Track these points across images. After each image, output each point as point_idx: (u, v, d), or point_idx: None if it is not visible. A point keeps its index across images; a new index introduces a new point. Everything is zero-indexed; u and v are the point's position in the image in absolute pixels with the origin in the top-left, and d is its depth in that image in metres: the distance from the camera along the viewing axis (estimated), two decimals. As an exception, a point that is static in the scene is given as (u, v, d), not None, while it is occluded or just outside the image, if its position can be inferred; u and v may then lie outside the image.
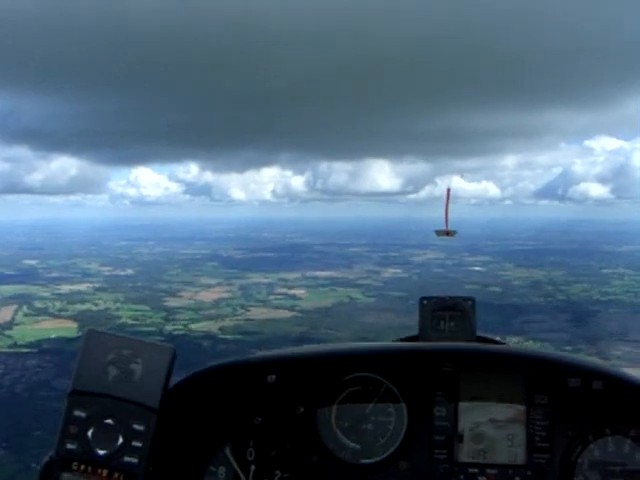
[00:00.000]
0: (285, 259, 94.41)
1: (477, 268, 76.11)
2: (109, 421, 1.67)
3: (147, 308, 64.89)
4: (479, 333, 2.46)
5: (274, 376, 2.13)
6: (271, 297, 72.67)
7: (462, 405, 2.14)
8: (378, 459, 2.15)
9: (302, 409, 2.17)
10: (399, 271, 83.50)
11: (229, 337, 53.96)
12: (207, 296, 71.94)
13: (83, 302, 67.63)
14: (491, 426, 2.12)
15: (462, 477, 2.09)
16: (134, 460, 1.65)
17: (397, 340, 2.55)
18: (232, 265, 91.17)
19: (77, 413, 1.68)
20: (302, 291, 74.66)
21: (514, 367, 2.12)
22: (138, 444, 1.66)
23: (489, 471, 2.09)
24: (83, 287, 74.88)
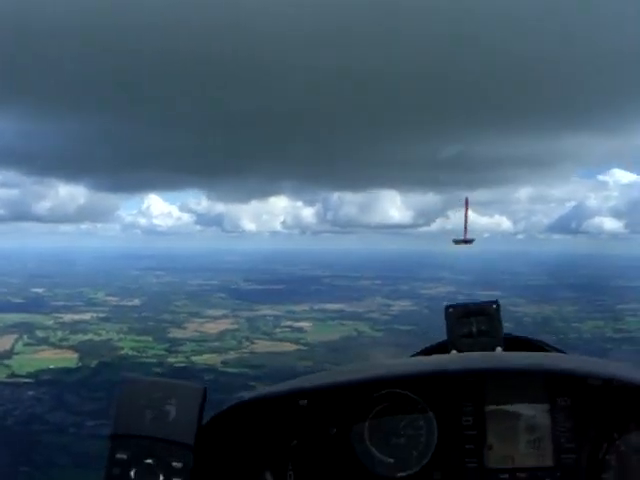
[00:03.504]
0: (294, 291, 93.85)
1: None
2: (149, 461, 1.76)
3: (150, 339, 64.18)
4: (506, 331, 2.57)
5: (305, 400, 2.14)
6: (277, 330, 71.86)
7: (489, 413, 2.15)
8: (412, 472, 2.16)
9: (335, 429, 2.19)
10: (409, 304, 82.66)
11: (232, 370, 53.04)
12: (212, 328, 71.25)
13: (85, 332, 67.02)
14: (518, 431, 2.13)
15: None
16: None
17: (427, 348, 2.68)
18: (240, 297, 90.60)
19: (119, 455, 1.76)
20: (309, 324, 73.92)
21: (536, 374, 2.14)
22: None
23: (519, 475, 2.10)
24: (87, 317, 74.38)
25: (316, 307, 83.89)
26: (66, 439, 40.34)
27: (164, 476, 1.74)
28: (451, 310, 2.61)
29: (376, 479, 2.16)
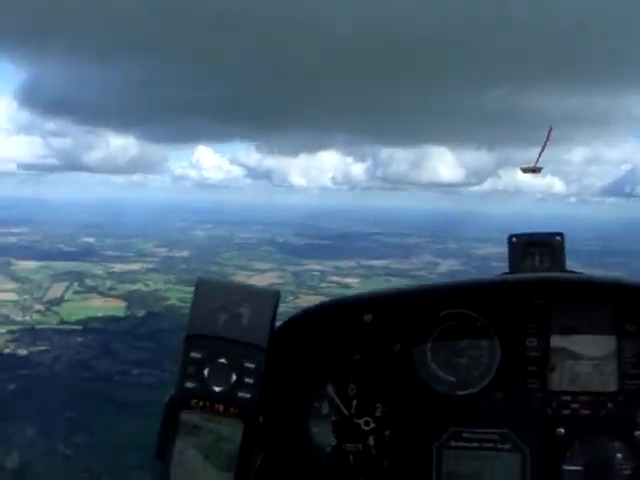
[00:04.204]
0: (342, 247, 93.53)
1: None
2: (222, 360, 1.79)
3: (197, 291, 64.59)
4: (569, 268, 2.49)
5: (371, 315, 2.21)
6: (323, 285, 71.85)
7: (553, 335, 2.20)
8: (474, 390, 2.21)
9: (399, 346, 2.26)
10: (457, 264, 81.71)
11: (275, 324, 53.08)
12: (259, 280, 71.27)
13: (134, 282, 67.93)
14: (582, 355, 2.16)
15: (555, 405, 2.15)
16: (247, 395, 1.78)
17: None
18: (288, 251, 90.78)
19: (193, 354, 1.80)
20: (355, 280, 73.71)
21: (604, 296, 2.16)
22: (250, 380, 1.79)
23: (581, 398, 2.14)
24: (136, 267, 75.34)
25: (363, 263, 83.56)
26: (111, 387, 41.11)
27: (237, 376, 1.76)
28: (514, 240, 2.55)
29: (436, 396, 2.22)
